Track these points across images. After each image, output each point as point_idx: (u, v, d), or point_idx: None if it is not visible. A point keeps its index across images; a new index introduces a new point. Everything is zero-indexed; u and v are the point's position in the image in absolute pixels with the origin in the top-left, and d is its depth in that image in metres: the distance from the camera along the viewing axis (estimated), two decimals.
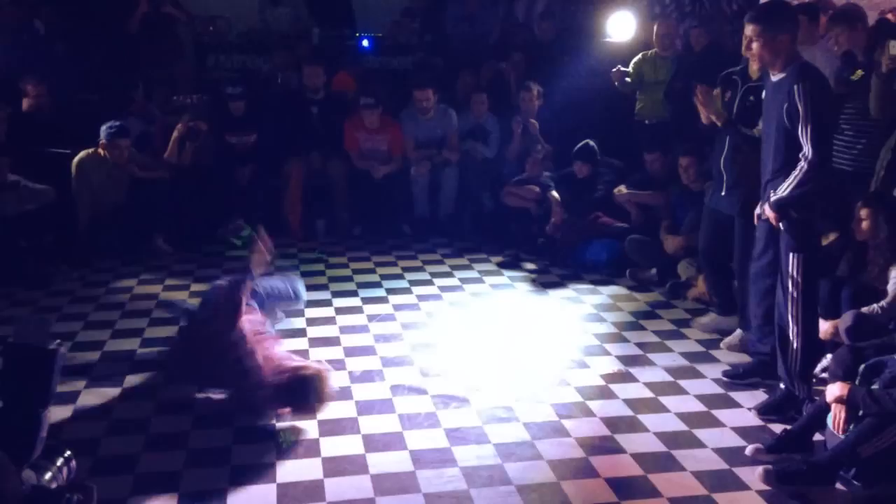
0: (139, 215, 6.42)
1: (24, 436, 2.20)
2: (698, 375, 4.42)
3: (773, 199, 3.78)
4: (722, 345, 4.78)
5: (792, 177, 3.71)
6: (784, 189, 3.74)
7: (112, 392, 4.10)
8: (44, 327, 2.36)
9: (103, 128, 6.30)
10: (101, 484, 3.19)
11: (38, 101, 6.51)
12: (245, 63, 8.58)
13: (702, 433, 3.78)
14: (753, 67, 4.46)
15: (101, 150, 6.32)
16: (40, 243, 5.88)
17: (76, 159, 6.32)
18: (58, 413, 3.82)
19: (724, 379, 4.31)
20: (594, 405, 4.04)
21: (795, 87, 3.65)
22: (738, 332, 4.74)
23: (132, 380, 4.25)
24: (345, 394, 4.10)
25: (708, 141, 5.23)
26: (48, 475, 2.22)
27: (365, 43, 8.88)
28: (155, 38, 7.81)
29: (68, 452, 2.35)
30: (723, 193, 4.62)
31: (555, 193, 6.56)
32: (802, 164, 3.67)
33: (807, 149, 3.64)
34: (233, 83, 7.22)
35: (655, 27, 6.82)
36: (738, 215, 4.52)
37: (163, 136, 6.85)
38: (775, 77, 3.83)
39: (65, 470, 2.30)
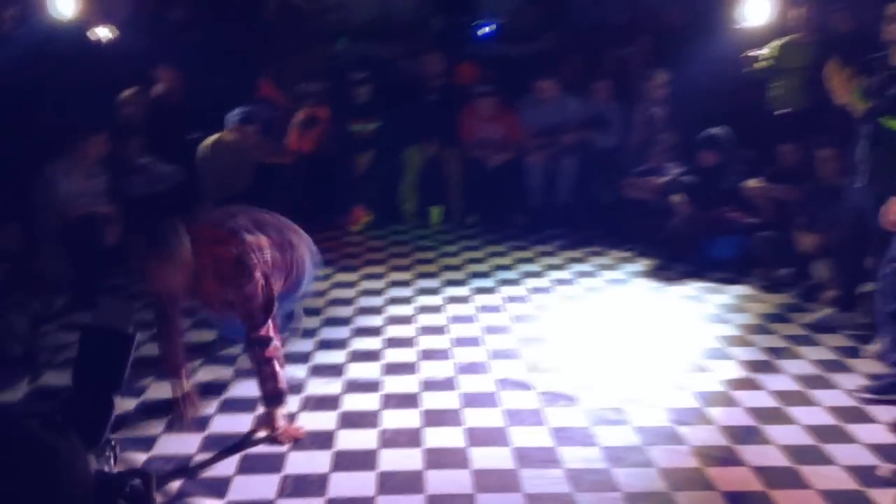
0: (261, 200, 6.56)
1: (94, 419, 2.21)
2: (830, 386, 4.08)
3: None
4: (866, 351, 4.44)
5: None
6: None
7: (227, 371, 4.18)
8: (126, 311, 2.38)
9: (231, 114, 6.47)
10: (210, 461, 3.30)
11: (170, 86, 6.76)
12: (366, 51, 8.64)
13: (832, 448, 3.48)
14: None
15: (228, 136, 6.49)
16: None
17: (205, 143, 6.52)
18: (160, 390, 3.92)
19: (864, 396, 3.95)
20: (713, 412, 3.80)
21: None
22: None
23: (246, 359, 4.29)
24: (450, 384, 4.04)
25: (850, 132, 4.86)
26: (103, 459, 2.23)
27: (486, 30, 8.77)
28: (288, 26, 7.97)
29: (114, 439, 2.35)
30: (858, 185, 4.40)
31: (676, 197, 6.25)
32: None
33: None
34: (357, 69, 7.30)
35: (797, 10, 6.37)
36: (872, 211, 4.21)
37: (286, 122, 6.98)
38: None
39: (112, 455, 2.31)
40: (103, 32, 6.41)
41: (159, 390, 3.92)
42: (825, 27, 6.36)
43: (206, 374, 4.15)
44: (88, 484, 1.50)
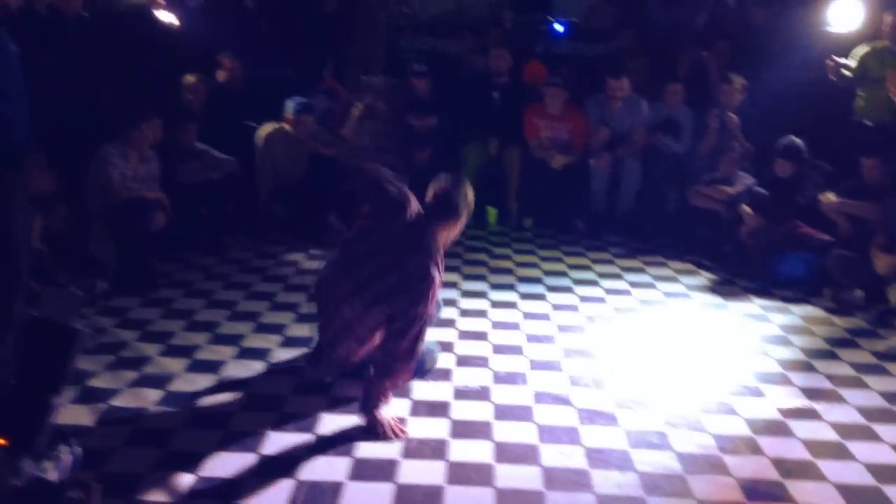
0: (315, 191, 6.51)
1: (30, 422, 2.08)
2: None
3: None
4: None
5: None
6: None
7: (256, 366, 4.10)
8: (73, 304, 2.23)
9: (290, 103, 6.44)
10: (225, 460, 3.20)
11: (232, 74, 6.76)
12: (435, 46, 8.52)
13: (894, 492, 3.16)
14: None
15: (285, 125, 6.46)
16: (220, 212, 6.08)
17: (262, 132, 6.50)
18: (200, 382, 3.88)
19: None
20: (764, 442, 3.51)
21: None
22: None
23: (278, 354, 4.24)
24: (484, 394, 3.85)
25: None
26: (48, 464, 2.10)
27: (559, 27, 8.53)
28: (351, 16, 7.91)
29: (73, 441, 2.22)
30: None
31: (745, 207, 5.90)
32: None
33: None
34: (419, 61, 7.18)
35: (887, 17, 5.95)
36: None
37: (345, 114, 6.91)
38: None
39: (67, 459, 2.18)
40: (169, 17, 6.43)
41: (184, 382, 3.87)
42: None
43: (236, 368, 4.07)
44: (8, 493, 1.39)
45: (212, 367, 4.05)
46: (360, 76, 7.47)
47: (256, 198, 6.43)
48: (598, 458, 3.34)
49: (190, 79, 6.46)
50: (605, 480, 3.18)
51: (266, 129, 6.47)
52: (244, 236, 6.23)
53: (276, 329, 4.55)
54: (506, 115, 7.00)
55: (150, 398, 3.71)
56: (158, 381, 3.87)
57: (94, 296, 4.67)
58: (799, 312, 5.13)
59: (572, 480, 3.18)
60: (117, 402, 3.67)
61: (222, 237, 6.02)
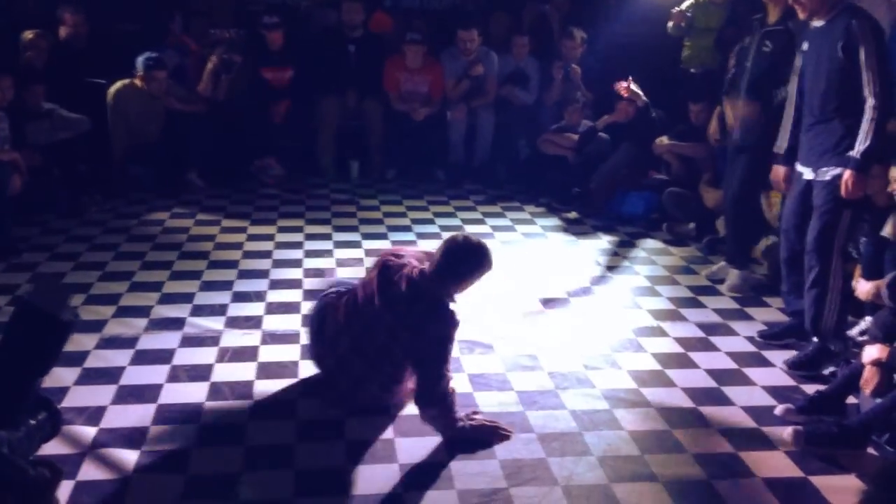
0: (173, 148, 6.41)
1: (7, 400, 2.10)
2: (731, 333, 4.31)
3: (857, 154, 3.59)
4: (724, 289, 4.79)
5: (866, 124, 3.56)
6: (862, 140, 3.58)
7: (139, 322, 4.11)
8: (62, 296, 2.24)
9: (140, 59, 6.26)
10: (125, 412, 3.26)
11: (76, 30, 6.45)
12: None
13: (731, 391, 3.69)
14: (773, 13, 4.37)
15: (137, 81, 6.28)
16: (74, 173, 5.88)
17: (112, 89, 6.29)
18: (84, 341, 3.85)
19: (759, 339, 4.21)
20: (621, 358, 3.97)
21: (853, 22, 3.59)
22: (736, 272, 4.79)
23: (160, 311, 4.26)
24: None
25: None
26: (22, 431, 2.13)
27: None
28: None
29: (54, 406, 2.26)
30: (735, 136, 4.70)
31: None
32: (871, 106, 3.54)
33: (869, 88, 3.54)
34: (270, 13, 7.12)
35: None
36: (741, 148, 4.62)
37: (198, 69, 6.79)
38: (819, 22, 3.75)
39: (46, 424, 2.21)
40: None
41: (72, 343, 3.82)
42: None
43: (119, 326, 4.06)
44: None
45: (93, 326, 4.02)
46: (209, 30, 7.32)
47: (111, 157, 6.25)
48: (480, 381, 3.67)
49: (28, 35, 6.12)
50: (489, 401, 3.51)
51: (117, 85, 6.27)
52: (100, 197, 6.04)
53: (154, 287, 4.56)
54: (362, 69, 7.10)
55: None
56: None
57: None
58: (641, 245, 5.68)
59: (461, 403, 3.42)
60: None
61: (79, 198, 5.83)
